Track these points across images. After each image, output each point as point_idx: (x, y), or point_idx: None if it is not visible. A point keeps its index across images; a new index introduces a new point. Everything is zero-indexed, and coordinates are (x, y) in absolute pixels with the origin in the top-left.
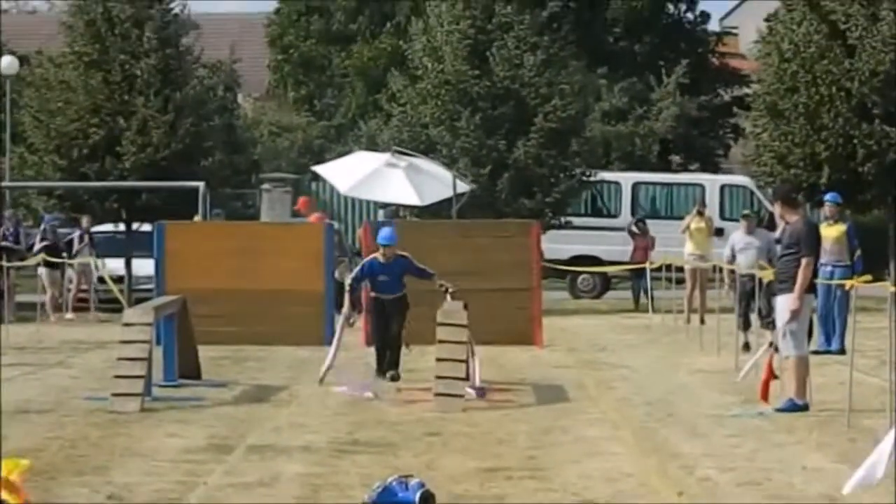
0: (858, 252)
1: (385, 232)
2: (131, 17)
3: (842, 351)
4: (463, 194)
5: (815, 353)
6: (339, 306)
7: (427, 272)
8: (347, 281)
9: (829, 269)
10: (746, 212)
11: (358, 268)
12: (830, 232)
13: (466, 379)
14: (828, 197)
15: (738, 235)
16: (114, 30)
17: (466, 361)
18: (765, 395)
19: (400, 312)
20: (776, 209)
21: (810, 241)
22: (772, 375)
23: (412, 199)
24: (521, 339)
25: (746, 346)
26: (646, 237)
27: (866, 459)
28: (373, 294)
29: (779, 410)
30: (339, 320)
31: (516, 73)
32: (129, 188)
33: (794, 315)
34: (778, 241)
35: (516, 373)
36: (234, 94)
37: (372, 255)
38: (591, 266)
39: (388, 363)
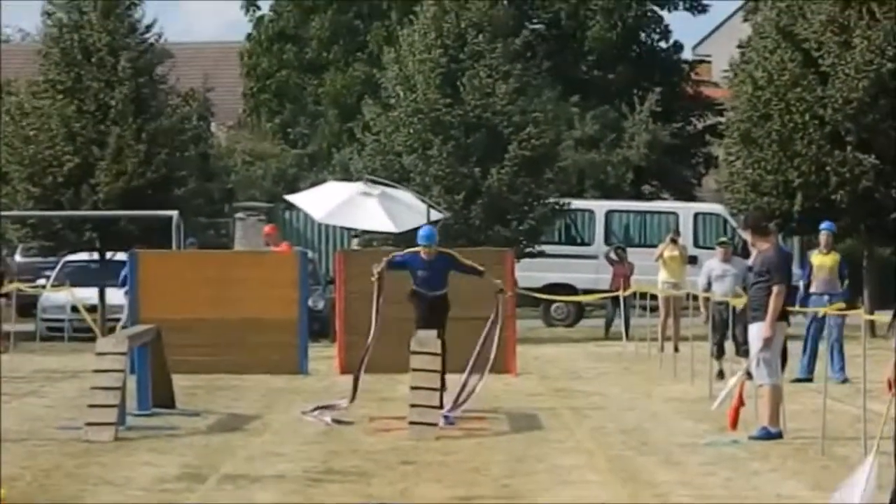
0: (846, 282)
1: (425, 231)
2: (107, 46)
3: (845, 380)
4: (437, 221)
5: (798, 381)
6: (313, 335)
7: (476, 269)
8: (377, 268)
9: (825, 297)
10: (723, 239)
11: (400, 254)
12: (825, 261)
13: (441, 407)
14: (823, 226)
15: (714, 263)
16: (89, 58)
17: (441, 389)
18: (734, 423)
19: (440, 314)
20: (747, 237)
21: (781, 269)
22: (741, 403)
23: (387, 226)
24: (495, 367)
25: (721, 374)
26: (624, 264)
27: (844, 481)
28: (414, 288)
29: (753, 438)
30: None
31: (488, 102)
32: (102, 217)
33: (767, 343)
34: (750, 268)
35: (490, 401)
36: (208, 123)
37: (414, 249)
38: (565, 294)
39: None
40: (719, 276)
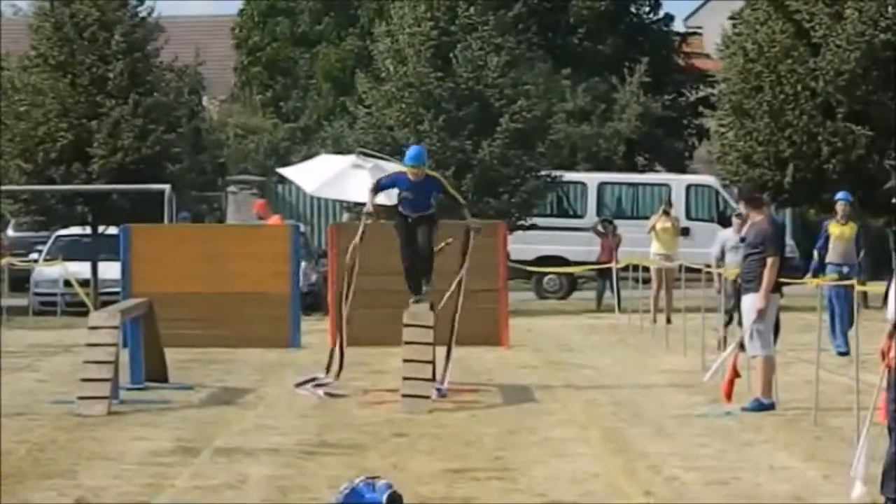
0: (863, 252)
1: (413, 151)
2: (99, 21)
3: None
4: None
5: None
6: (306, 308)
7: (458, 200)
8: (370, 185)
9: (843, 268)
10: (740, 211)
11: (386, 176)
12: (843, 231)
13: (433, 380)
14: (840, 195)
15: (728, 234)
16: (81, 33)
17: (433, 362)
18: (728, 395)
19: (427, 227)
20: (741, 208)
21: (776, 240)
22: (735, 374)
23: (380, 198)
24: (488, 339)
25: (721, 344)
26: (611, 237)
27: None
28: (399, 210)
29: (745, 410)
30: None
31: (480, 75)
32: (94, 191)
33: (761, 314)
34: (742, 239)
35: (483, 374)
36: (200, 97)
37: (402, 170)
38: (557, 266)
39: (414, 284)
40: (733, 247)
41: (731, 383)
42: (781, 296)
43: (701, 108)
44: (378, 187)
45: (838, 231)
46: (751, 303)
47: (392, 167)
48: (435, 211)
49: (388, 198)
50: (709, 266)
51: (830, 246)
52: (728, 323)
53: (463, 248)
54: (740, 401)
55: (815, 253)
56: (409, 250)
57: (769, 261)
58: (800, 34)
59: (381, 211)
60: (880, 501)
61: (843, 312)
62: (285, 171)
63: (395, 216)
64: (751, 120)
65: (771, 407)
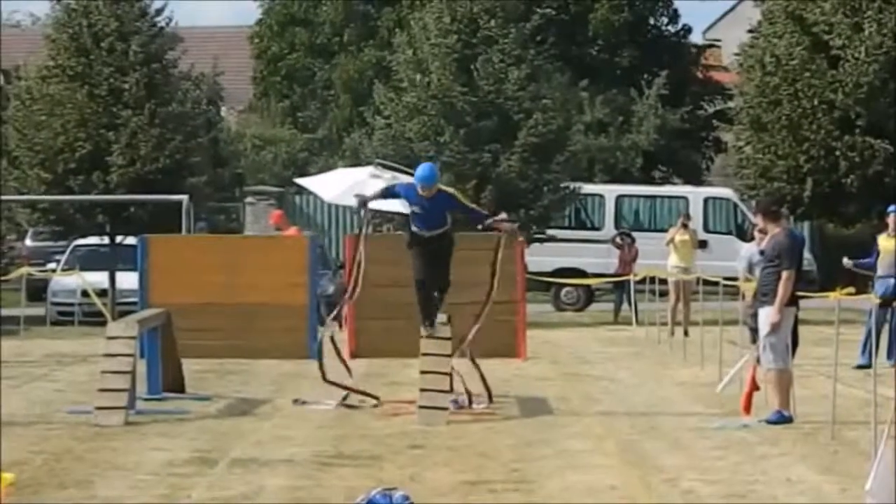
0: None
1: (423, 170)
2: (116, 31)
3: None
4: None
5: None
6: (322, 320)
7: (479, 212)
8: (370, 193)
9: (892, 282)
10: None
11: (400, 184)
12: (891, 244)
13: (451, 391)
14: (892, 208)
15: (754, 248)
16: (99, 44)
17: (451, 373)
18: (747, 407)
19: (445, 248)
20: (759, 222)
21: (792, 254)
22: (754, 387)
23: (397, 206)
24: (505, 351)
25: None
26: (629, 249)
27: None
28: (412, 228)
29: (767, 422)
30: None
31: (500, 88)
32: (112, 202)
33: (774, 328)
34: (762, 252)
35: (500, 386)
36: (218, 108)
37: (412, 182)
38: (575, 278)
39: (426, 313)
40: (760, 261)
41: (749, 396)
42: (798, 309)
43: (716, 122)
44: (386, 193)
45: (885, 244)
46: (765, 316)
47: (409, 179)
48: (450, 227)
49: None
50: (727, 279)
51: (880, 259)
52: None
53: (493, 258)
54: (755, 414)
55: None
56: (424, 272)
57: (784, 274)
58: (818, 47)
59: (383, 216)
60: None
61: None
62: (302, 181)
63: (405, 230)
64: (769, 134)
65: (789, 420)
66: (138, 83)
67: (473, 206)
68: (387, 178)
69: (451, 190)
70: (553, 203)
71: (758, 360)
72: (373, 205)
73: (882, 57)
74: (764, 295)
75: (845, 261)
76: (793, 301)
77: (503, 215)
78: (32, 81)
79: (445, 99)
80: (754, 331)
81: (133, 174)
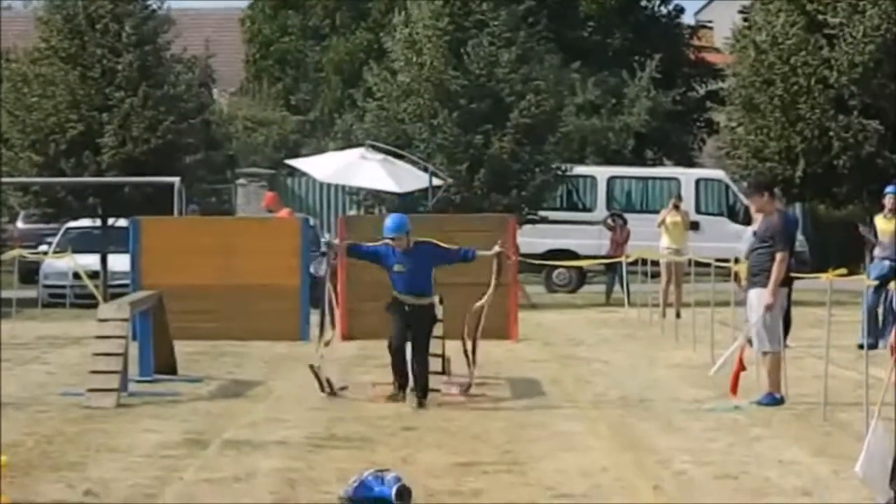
0: None
1: (390, 221)
2: (110, 13)
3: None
4: (439, 187)
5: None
6: (315, 301)
7: (463, 252)
8: (343, 245)
9: (886, 263)
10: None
11: (368, 245)
12: (889, 226)
13: (443, 373)
14: (889, 189)
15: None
16: (93, 25)
17: (444, 356)
18: (734, 389)
19: (424, 327)
20: (752, 202)
21: (785, 235)
22: (742, 368)
23: (389, 185)
24: (497, 333)
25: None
26: (621, 231)
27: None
28: (393, 293)
29: (759, 404)
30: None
31: (492, 70)
32: (104, 184)
33: (769, 310)
34: (754, 234)
35: (492, 368)
36: (210, 90)
37: (386, 241)
38: (567, 260)
39: (398, 375)
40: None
41: (736, 377)
42: (790, 291)
43: (709, 104)
44: (351, 252)
45: (883, 226)
46: (758, 297)
47: (401, 164)
48: (435, 301)
49: (398, 184)
50: (719, 260)
51: (879, 241)
52: None
53: (495, 274)
54: (746, 395)
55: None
56: (400, 340)
57: (778, 256)
58: (812, 27)
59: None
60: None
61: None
62: (294, 162)
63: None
64: (761, 115)
65: (780, 401)
66: (131, 65)
67: (453, 247)
68: (378, 159)
69: (429, 240)
70: (545, 184)
71: (749, 342)
72: (361, 182)
73: (878, 38)
74: (755, 276)
75: (861, 227)
76: (786, 282)
77: (496, 248)
78: (24, 63)
79: (438, 81)
80: None
81: (125, 156)
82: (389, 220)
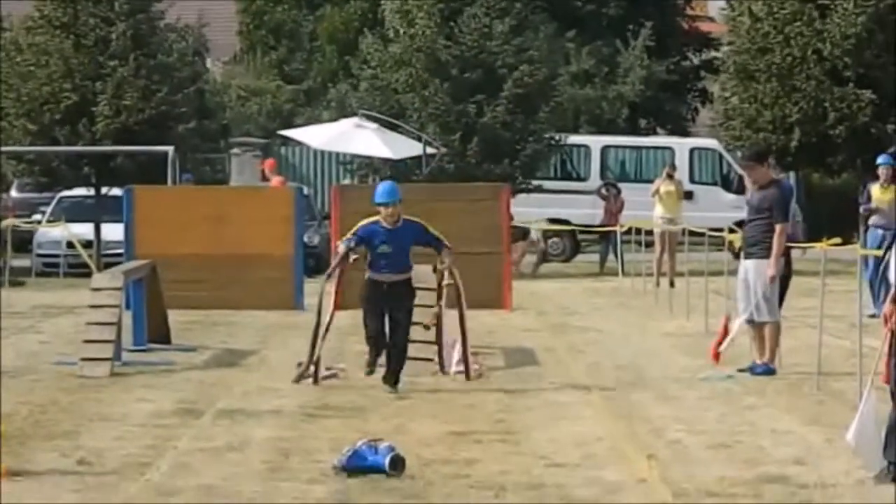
0: None
1: (383, 187)
2: None
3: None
4: (433, 155)
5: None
6: (308, 271)
7: (443, 243)
8: (340, 247)
9: (879, 232)
10: (782, 176)
11: (352, 232)
12: (886, 195)
13: (436, 343)
14: (881, 159)
15: None
16: None
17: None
18: (716, 356)
19: (404, 302)
20: (751, 172)
21: (784, 206)
22: (725, 335)
23: (384, 152)
24: (491, 303)
25: None
26: (615, 200)
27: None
28: (369, 275)
29: (753, 373)
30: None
31: (484, 42)
32: (98, 153)
33: (772, 281)
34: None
35: (485, 337)
36: (203, 59)
37: (372, 219)
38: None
39: (388, 372)
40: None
41: (719, 344)
42: (790, 260)
43: (703, 73)
44: (355, 241)
45: (878, 195)
46: (757, 268)
47: (393, 136)
48: (412, 276)
49: (392, 151)
50: (713, 230)
51: (877, 210)
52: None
53: (438, 279)
54: (734, 363)
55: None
56: (376, 324)
57: (777, 227)
58: None
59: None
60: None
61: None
62: (289, 132)
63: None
64: (756, 83)
65: (773, 372)
66: (124, 34)
67: (439, 235)
68: (372, 128)
69: (416, 219)
70: (538, 153)
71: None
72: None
73: (870, 9)
74: (752, 246)
75: (863, 209)
76: (785, 252)
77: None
78: (18, 32)
79: (430, 52)
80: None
81: (118, 125)
82: (381, 187)
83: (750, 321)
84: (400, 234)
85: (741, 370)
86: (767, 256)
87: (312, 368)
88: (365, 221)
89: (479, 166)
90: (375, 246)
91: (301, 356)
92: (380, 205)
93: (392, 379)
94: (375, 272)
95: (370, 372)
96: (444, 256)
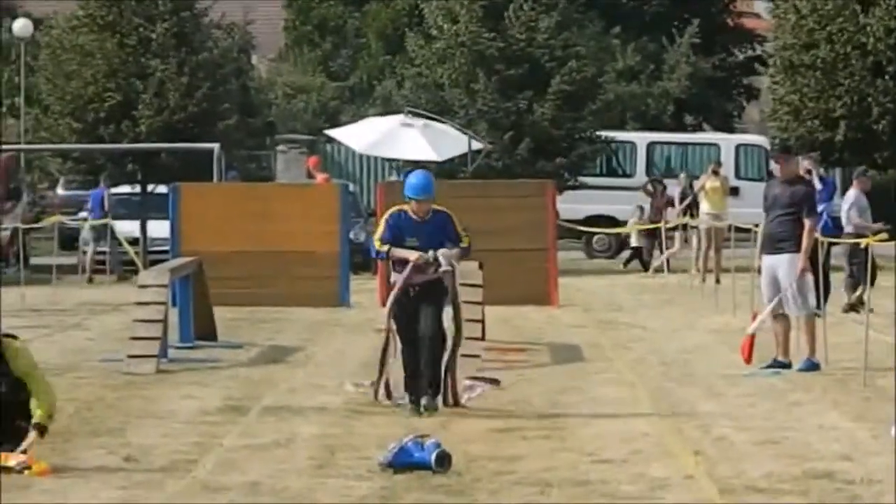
0: None
1: (417, 179)
2: None
3: None
4: (479, 151)
5: None
6: (355, 268)
7: (463, 243)
8: (375, 246)
9: None
10: (863, 167)
11: (382, 226)
12: None
13: (483, 339)
14: None
15: (858, 193)
16: None
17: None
18: (748, 357)
19: (436, 303)
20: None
21: (813, 202)
22: (752, 336)
23: (429, 154)
24: (537, 299)
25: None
26: (661, 197)
27: None
28: (394, 278)
29: (800, 370)
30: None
31: (531, 36)
32: (144, 150)
33: (804, 274)
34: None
35: (532, 333)
36: (249, 56)
37: (398, 208)
38: (607, 226)
39: (423, 384)
40: (866, 208)
41: (751, 345)
42: (829, 255)
43: (750, 69)
44: (382, 250)
45: None
46: (789, 263)
47: (441, 128)
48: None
49: (437, 152)
50: (758, 225)
51: None
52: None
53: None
54: (762, 360)
55: None
56: (409, 334)
57: (807, 223)
58: None
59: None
60: None
61: None
62: (333, 133)
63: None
64: (802, 77)
65: (817, 366)
66: (167, 32)
67: (463, 233)
68: (418, 125)
69: (445, 209)
70: (587, 153)
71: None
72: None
73: None
74: (781, 241)
75: None
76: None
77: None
78: (62, 31)
79: (475, 47)
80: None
81: (161, 123)
82: (414, 179)
83: (777, 315)
84: (428, 228)
85: (762, 367)
86: (798, 251)
87: (383, 390)
88: (391, 211)
89: (527, 164)
90: (403, 238)
91: (347, 354)
92: (411, 199)
93: (431, 389)
94: (402, 272)
95: (413, 403)
96: (447, 249)
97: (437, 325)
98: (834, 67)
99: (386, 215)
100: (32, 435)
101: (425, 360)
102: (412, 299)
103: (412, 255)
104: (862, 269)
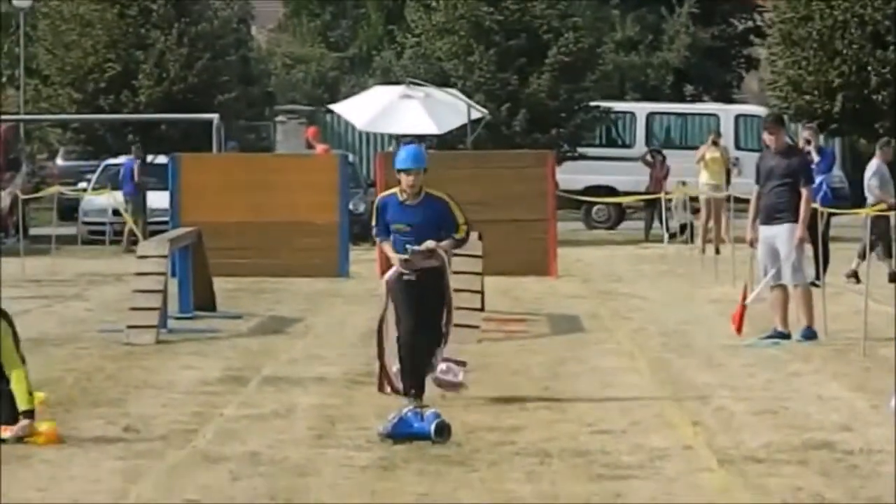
0: None
1: (406, 151)
2: None
3: None
4: (479, 121)
5: None
6: (354, 238)
7: (462, 229)
8: (384, 246)
9: None
10: (887, 138)
11: (374, 214)
12: None
13: (482, 310)
14: None
15: (880, 163)
16: None
17: (482, 292)
18: (739, 328)
19: (435, 294)
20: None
21: (809, 172)
22: (743, 307)
23: (429, 128)
24: (536, 269)
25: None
26: (660, 167)
27: None
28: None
29: (800, 339)
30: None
31: (527, 6)
32: (143, 121)
33: (801, 244)
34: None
35: (531, 303)
36: (248, 27)
37: (388, 192)
38: (606, 196)
39: (416, 382)
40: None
41: (740, 316)
42: (828, 225)
43: (749, 40)
44: (380, 226)
45: None
46: (788, 232)
47: (442, 96)
48: (446, 263)
49: (437, 124)
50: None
51: None
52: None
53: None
54: (757, 332)
55: None
56: (411, 318)
57: (804, 193)
58: None
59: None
60: None
61: None
62: (335, 107)
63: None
64: (800, 48)
65: (815, 335)
66: (167, 2)
67: (463, 217)
68: (419, 96)
69: (442, 194)
70: (584, 122)
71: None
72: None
73: None
74: (779, 212)
75: None
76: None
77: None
78: (62, 1)
79: (473, 18)
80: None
81: (161, 93)
82: (403, 152)
83: (776, 286)
84: (421, 212)
85: (762, 338)
86: (796, 220)
87: (392, 384)
88: (381, 195)
89: (525, 135)
90: (394, 223)
91: (346, 324)
92: (401, 171)
93: (419, 385)
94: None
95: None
96: (456, 242)
97: (435, 326)
98: (832, 37)
99: (377, 201)
100: (25, 422)
101: (423, 352)
102: (411, 285)
103: (394, 259)
104: (884, 240)
